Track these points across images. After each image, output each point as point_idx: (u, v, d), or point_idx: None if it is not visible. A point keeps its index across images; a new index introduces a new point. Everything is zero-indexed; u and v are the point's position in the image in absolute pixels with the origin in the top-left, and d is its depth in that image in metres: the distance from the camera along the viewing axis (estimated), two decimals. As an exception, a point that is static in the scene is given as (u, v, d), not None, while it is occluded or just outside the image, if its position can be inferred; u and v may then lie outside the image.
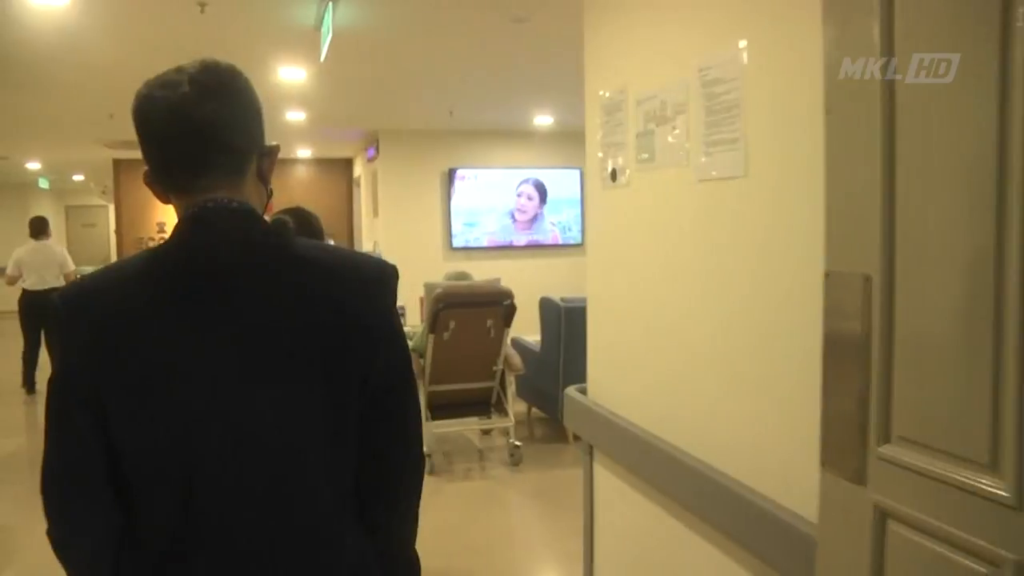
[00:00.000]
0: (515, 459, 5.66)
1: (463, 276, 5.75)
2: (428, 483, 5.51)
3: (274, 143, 1.33)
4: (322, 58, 4.64)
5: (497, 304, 5.38)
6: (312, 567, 1.22)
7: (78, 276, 5.86)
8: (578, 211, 10.35)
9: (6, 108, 7.83)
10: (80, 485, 1.19)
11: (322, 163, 13.45)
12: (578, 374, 5.96)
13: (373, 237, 10.44)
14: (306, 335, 1.21)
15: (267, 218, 1.29)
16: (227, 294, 1.19)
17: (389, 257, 7.75)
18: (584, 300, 6.13)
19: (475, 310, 5.34)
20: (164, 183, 1.25)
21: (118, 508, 1.20)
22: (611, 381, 3.09)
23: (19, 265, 8.18)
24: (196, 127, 1.19)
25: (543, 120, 9.12)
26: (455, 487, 5.31)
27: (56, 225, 18.28)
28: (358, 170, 12.61)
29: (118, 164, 12.62)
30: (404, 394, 1.31)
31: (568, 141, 10.20)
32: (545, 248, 10.33)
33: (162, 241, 1.30)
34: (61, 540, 1.21)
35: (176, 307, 1.18)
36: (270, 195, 1.34)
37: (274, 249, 1.24)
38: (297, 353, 1.20)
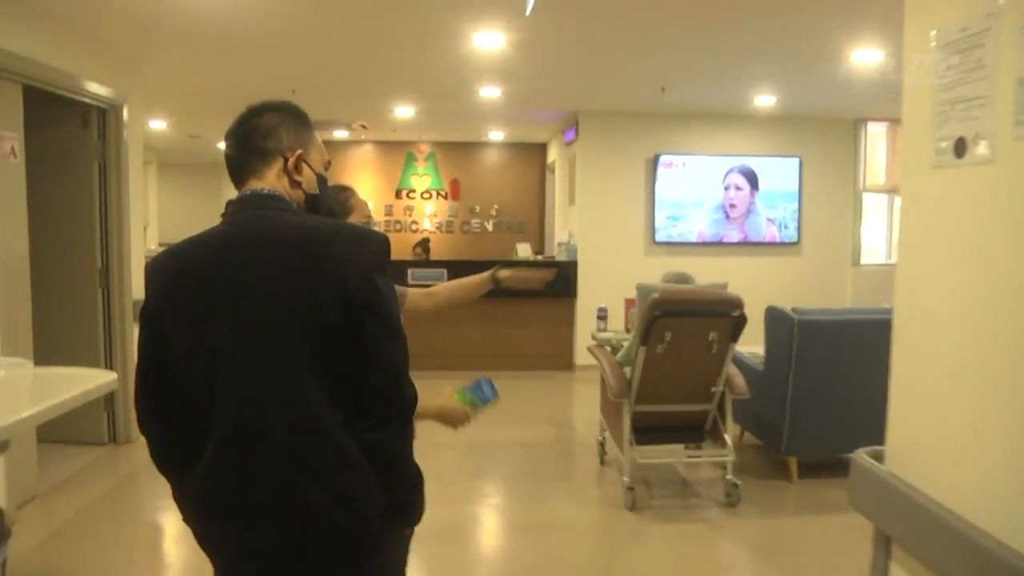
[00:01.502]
0: (732, 499, 4.72)
1: (684, 278, 4.82)
2: (627, 521, 4.32)
3: (297, 150, 1.82)
4: (528, 10, 3.84)
5: (725, 315, 4.43)
6: (314, 461, 1.60)
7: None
8: (795, 206, 9.20)
9: (195, 84, 7.59)
10: (148, 383, 1.72)
11: (514, 147, 12.77)
12: (813, 402, 5.01)
13: (568, 227, 9.63)
14: (311, 287, 1.59)
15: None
16: (256, 254, 1.64)
17: (585, 250, 6.93)
18: (822, 313, 5.14)
19: (698, 320, 4.42)
20: (230, 174, 1.82)
21: (174, 404, 1.67)
22: (935, 453, 2.13)
23: None
24: (242, 132, 1.80)
25: (764, 100, 8.01)
26: (659, 529, 4.43)
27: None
28: (552, 155, 11.86)
29: (305, 145, 12.38)
30: (386, 339, 1.64)
31: (788, 126, 9.09)
32: (758, 247, 9.23)
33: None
34: (140, 415, 1.75)
35: (221, 267, 1.63)
36: (323, 182, 1.92)
37: (286, 221, 1.71)
38: (304, 300, 1.59)
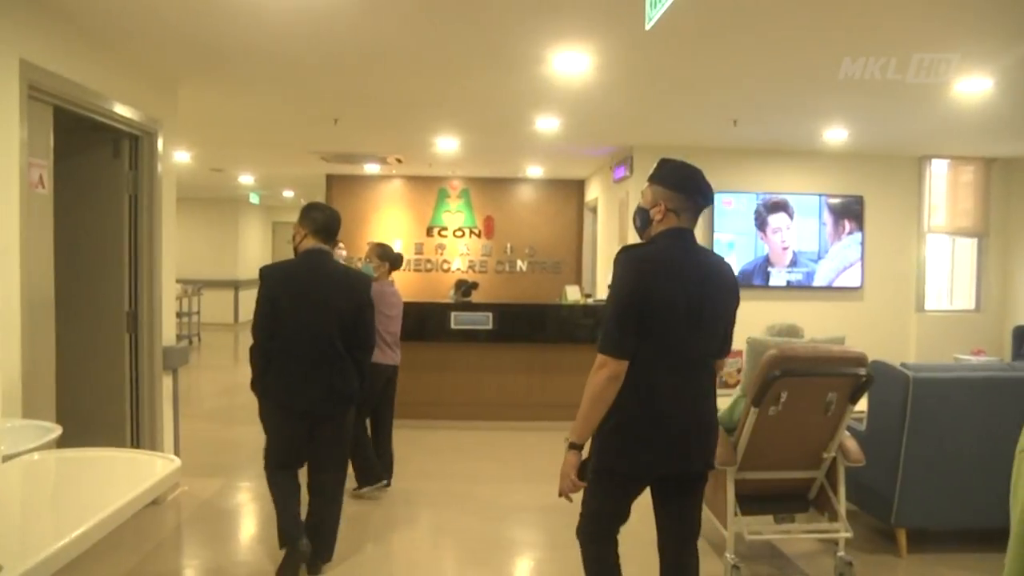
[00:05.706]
0: (846, 580, 4.13)
1: (794, 331, 4.27)
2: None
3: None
4: (650, 23, 3.33)
5: (848, 374, 3.88)
6: (336, 368, 4.01)
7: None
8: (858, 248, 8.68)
9: (229, 112, 7.11)
10: (266, 328, 3.97)
11: (551, 184, 12.28)
12: (928, 469, 4.41)
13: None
14: (338, 298, 4.01)
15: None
16: (318, 279, 4.03)
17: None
18: (939, 369, 4.55)
19: (817, 380, 3.86)
20: (314, 235, 4.10)
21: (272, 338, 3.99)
22: None
23: None
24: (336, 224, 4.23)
25: (835, 135, 7.49)
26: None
27: (264, 240, 18.45)
28: (592, 192, 11.36)
29: (331, 180, 11.97)
30: (368, 322, 4.13)
31: (851, 163, 8.52)
32: (817, 291, 8.67)
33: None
34: (255, 349, 4.01)
35: (301, 280, 4.04)
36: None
37: (334, 268, 4.16)
38: (334, 302, 3.99)
